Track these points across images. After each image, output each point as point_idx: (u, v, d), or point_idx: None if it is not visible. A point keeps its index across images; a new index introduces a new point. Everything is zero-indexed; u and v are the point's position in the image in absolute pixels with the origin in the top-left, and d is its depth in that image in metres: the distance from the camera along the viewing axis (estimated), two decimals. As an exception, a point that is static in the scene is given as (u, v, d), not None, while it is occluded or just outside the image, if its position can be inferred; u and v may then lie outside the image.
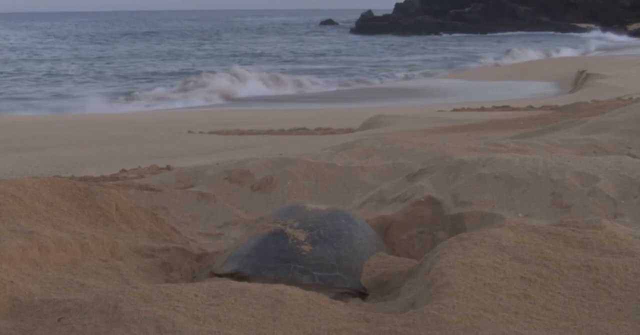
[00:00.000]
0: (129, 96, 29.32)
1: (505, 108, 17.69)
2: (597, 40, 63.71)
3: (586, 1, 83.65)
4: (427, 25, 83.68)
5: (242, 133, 14.68)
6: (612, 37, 71.18)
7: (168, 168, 8.59)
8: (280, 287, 3.06)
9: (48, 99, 28.96)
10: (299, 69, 40.20)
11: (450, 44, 63.13)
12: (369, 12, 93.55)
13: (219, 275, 3.82)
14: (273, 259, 3.67)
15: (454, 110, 17.86)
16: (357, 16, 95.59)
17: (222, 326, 2.71)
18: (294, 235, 3.76)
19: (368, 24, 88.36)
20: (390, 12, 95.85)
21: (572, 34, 76.54)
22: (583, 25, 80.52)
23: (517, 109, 17.14)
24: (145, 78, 36.96)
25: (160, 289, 2.98)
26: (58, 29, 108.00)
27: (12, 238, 3.46)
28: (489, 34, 77.45)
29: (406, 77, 37.42)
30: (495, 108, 17.85)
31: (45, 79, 36.46)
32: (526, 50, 49.51)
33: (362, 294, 3.67)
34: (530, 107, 17.13)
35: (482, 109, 17.66)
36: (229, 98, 29.15)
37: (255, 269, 3.68)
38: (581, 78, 27.19)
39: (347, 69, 41.37)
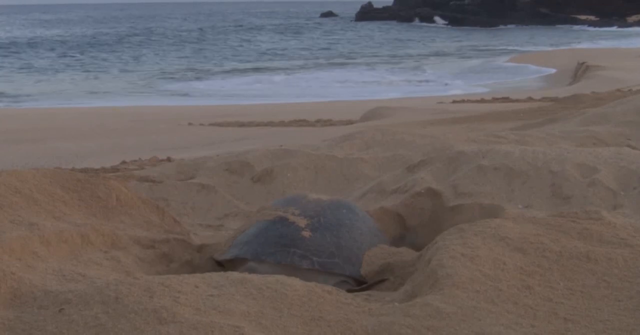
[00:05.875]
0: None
1: (505, 100, 17.67)
2: (596, 32, 63.71)
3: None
4: (427, 17, 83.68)
5: (242, 125, 14.68)
6: (611, 28, 71.16)
7: (168, 160, 8.58)
8: (281, 278, 3.06)
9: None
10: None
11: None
12: (369, 4, 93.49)
13: (220, 262, 3.85)
14: (273, 245, 3.69)
15: (454, 101, 17.84)
16: (352, 8, 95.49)
17: (223, 317, 2.72)
18: (295, 222, 3.77)
19: (368, 16, 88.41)
20: (389, 4, 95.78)
21: (573, 26, 76.54)
22: (583, 18, 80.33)
23: (517, 100, 17.11)
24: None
25: (161, 280, 2.99)
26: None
27: (13, 229, 3.46)
28: (488, 27, 77.27)
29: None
30: (495, 100, 17.83)
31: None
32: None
33: (362, 284, 3.67)
34: (530, 99, 17.11)
35: (482, 101, 17.65)
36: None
37: (255, 254, 3.70)
38: (581, 70, 27.16)
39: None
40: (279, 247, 3.67)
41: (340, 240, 3.75)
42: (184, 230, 4.38)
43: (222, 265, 3.85)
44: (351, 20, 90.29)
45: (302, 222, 3.78)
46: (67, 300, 2.85)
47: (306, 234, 3.71)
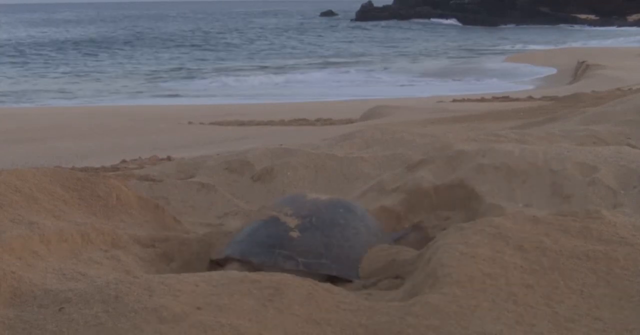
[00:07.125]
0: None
1: (505, 99, 17.67)
2: (596, 31, 63.79)
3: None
4: (427, 16, 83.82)
5: (242, 124, 14.69)
6: (611, 28, 71.24)
7: (168, 159, 8.58)
8: (281, 276, 3.06)
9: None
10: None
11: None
12: (369, 3, 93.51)
13: (215, 261, 3.86)
14: (260, 245, 3.70)
15: (454, 101, 17.84)
16: (352, 7, 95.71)
17: (223, 315, 2.72)
18: (285, 222, 3.78)
19: (368, 15, 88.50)
20: (390, 3, 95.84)
21: (573, 25, 76.62)
22: (583, 17, 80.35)
23: (517, 99, 17.12)
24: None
25: (161, 279, 2.99)
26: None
27: (13, 228, 3.46)
28: (488, 26, 77.31)
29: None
30: (495, 99, 17.83)
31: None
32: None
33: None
34: (530, 98, 17.11)
35: (482, 100, 17.64)
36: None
37: (242, 254, 3.71)
38: (581, 69, 27.17)
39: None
40: (264, 247, 3.68)
41: (331, 240, 3.74)
42: (184, 229, 4.38)
43: (219, 265, 3.85)
44: (351, 20, 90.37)
45: (292, 222, 3.79)
46: (67, 299, 2.85)
47: (294, 234, 3.72)
